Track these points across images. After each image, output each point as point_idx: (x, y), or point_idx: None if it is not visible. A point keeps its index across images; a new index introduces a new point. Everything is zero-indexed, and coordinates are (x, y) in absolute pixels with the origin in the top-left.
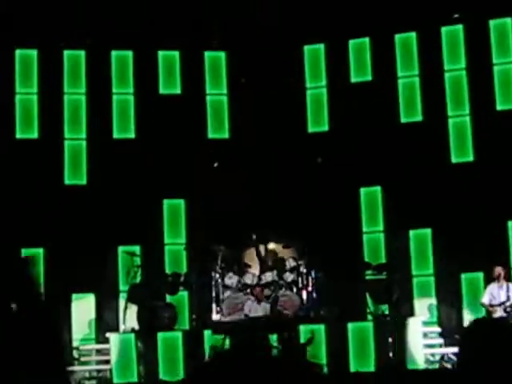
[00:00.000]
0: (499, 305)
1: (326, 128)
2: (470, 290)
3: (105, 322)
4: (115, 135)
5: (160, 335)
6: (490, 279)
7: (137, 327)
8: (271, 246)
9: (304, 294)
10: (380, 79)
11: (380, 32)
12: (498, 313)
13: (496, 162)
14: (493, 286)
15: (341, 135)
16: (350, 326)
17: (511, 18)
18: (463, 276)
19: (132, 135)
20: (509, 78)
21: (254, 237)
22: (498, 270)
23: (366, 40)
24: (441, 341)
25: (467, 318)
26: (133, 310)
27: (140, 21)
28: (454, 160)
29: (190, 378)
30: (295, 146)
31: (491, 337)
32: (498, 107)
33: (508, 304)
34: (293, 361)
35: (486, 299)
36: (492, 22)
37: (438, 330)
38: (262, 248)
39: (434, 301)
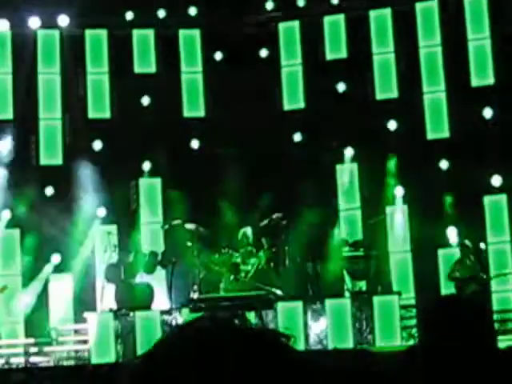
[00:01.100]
0: (469, 278)
1: (302, 105)
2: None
3: (82, 302)
4: (90, 115)
5: (137, 314)
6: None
7: (114, 307)
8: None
9: (281, 272)
10: (354, 56)
11: (354, 8)
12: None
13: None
14: (458, 259)
15: (317, 112)
16: (328, 302)
17: None
18: (439, 251)
19: (108, 115)
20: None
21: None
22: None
23: (341, 16)
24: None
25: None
26: (110, 289)
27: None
28: (429, 136)
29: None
30: (272, 122)
31: (446, 322)
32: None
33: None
34: (266, 331)
35: (455, 273)
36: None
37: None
38: (240, 226)
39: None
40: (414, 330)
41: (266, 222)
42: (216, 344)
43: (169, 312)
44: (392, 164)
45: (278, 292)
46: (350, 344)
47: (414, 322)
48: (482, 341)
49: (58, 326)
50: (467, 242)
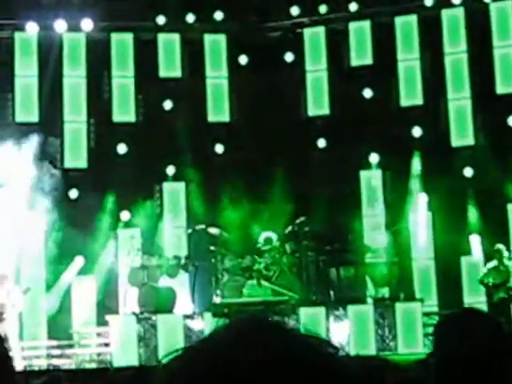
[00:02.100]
0: (500, 285)
1: (327, 111)
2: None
3: (105, 305)
4: (115, 118)
5: (160, 318)
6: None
7: (137, 310)
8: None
9: (304, 277)
10: (381, 63)
11: (380, 15)
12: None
13: None
14: (493, 265)
15: (341, 118)
16: (350, 309)
17: None
18: (463, 259)
19: (133, 118)
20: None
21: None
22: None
23: (367, 23)
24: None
25: (467, 300)
26: (133, 292)
27: (140, 3)
28: (454, 144)
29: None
30: (296, 128)
31: (459, 338)
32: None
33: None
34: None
35: (488, 279)
36: None
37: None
38: (264, 231)
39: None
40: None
41: (290, 227)
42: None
43: (191, 316)
44: (416, 171)
45: (298, 297)
46: (372, 350)
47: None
48: (493, 355)
49: (81, 329)
50: (500, 246)
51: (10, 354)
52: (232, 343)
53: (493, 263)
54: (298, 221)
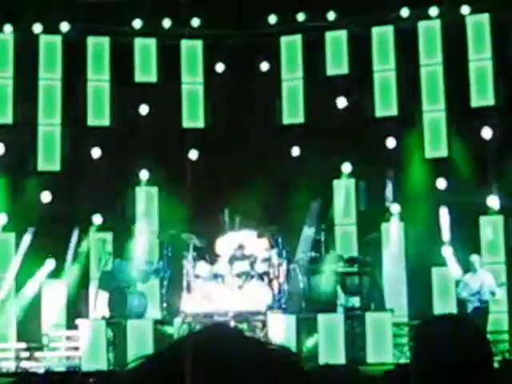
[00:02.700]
0: (474, 295)
1: (301, 120)
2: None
3: (75, 309)
4: (89, 122)
5: (130, 323)
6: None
7: (107, 314)
8: (244, 233)
9: (275, 286)
10: (356, 72)
11: (357, 25)
12: (475, 303)
13: None
14: (469, 277)
15: (316, 127)
16: (320, 318)
17: None
18: (434, 270)
19: (107, 123)
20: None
21: (225, 220)
22: (475, 258)
23: (344, 32)
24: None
25: (438, 311)
26: (103, 297)
27: (116, 7)
28: (427, 155)
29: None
30: (271, 136)
31: (433, 343)
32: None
33: (483, 292)
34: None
35: (464, 291)
36: None
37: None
38: (233, 237)
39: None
40: (406, 348)
41: (260, 234)
42: (231, 352)
43: (161, 322)
44: (390, 181)
45: (267, 305)
46: (341, 360)
47: (406, 339)
48: (478, 361)
49: (50, 332)
50: (474, 257)
51: None
52: (193, 354)
53: (468, 275)
54: (269, 229)
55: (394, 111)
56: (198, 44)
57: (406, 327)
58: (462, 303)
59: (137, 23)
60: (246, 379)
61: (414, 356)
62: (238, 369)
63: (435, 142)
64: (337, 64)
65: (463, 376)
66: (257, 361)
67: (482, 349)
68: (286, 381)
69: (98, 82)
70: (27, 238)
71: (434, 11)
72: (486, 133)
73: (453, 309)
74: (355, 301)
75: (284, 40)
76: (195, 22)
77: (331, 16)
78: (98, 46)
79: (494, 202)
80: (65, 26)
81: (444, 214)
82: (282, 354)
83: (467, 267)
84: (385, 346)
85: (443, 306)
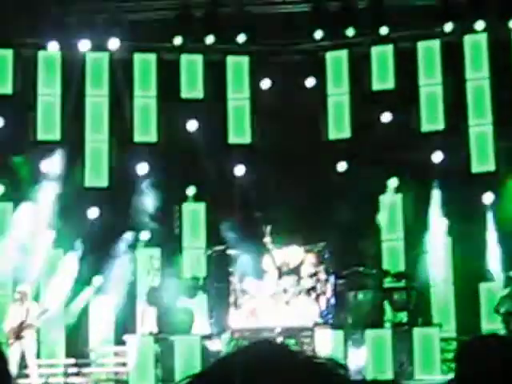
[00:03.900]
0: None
1: (348, 135)
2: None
3: (123, 325)
4: (136, 138)
5: (177, 338)
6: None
7: (155, 330)
8: (291, 249)
9: (322, 301)
10: (402, 87)
11: (403, 40)
12: None
13: None
14: (507, 292)
15: (362, 142)
16: (368, 333)
17: None
18: (481, 285)
19: (154, 139)
20: None
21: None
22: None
23: (390, 47)
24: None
25: (485, 326)
26: (151, 312)
27: (162, 24)
28: (474, 170)
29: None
30: (317, 151)
31: (481, 362)
32: None
33: None
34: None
35: (503, 307)
36: None
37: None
38: (280, 253)
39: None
40: (454, 364)
41: (309, 249)
42: (279, 368)
43: (209, 337)
44: (436, 196)
45: (314, 320)
46: (389, 375)
47: (454, 354)
48: None
49: (98, 348)
50: None
51: (9, 370)
52: (243, 369)
53: (506, 291)
54: (318, 246)
55: (440, 125)
56: (245, 60)
57: (454, 342)
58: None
59: (183, 40)
60: None
61: (458, 375)
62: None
63: (482, 157)
64: (382, 79)
65: None
66: (306, 375)
67: None
68: None
69: (145, 98)
70: (75, 254)
71: (480, 25)
72: None
73: (500, 324)
74: (403, 316)
75: (330, 55)
76: (241, 38)
77: (380, 31)
78: (145, 63)
79: None
80: (112, 44)
81: (491, 228)
82: (331, 367)
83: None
84: (432, 362)
85: (491, 321)
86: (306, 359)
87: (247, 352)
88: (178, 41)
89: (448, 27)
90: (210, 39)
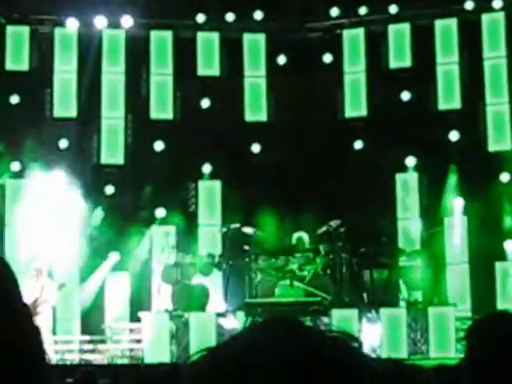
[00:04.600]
0: None
1: (364, 113)
2: (503, 278)
3: (138, 301)
4: (152, 115)
5: (192, 316)
6: None
7: (170, 307)
8: (307, 227)
9: (337, 279)
10: (419, 65)
11: (420, 18)
12: None
13: None
14: None
15: (379, 120)
16: (383, 311)
17: None
18: (497, 264)
19: (170, 116)
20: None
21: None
22: None
23: (407, 25)
24: None
25: (500, 305)
26: (166, 290)
27: (180, 1)
28: (490, 149)
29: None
30: (332, 129)
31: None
32: None
33: None
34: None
35: None
36: None
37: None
38: (296, 230)
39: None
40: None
41: (323, 228)
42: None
43: (224, 315)
44: (453, 175)
45: (329, 298)
46: (404, 354)
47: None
48: None
49: (113, 325)
50: None
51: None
52: (258, 345)
53: None
54: (332, 223)
55: (457, 104)
56: (261, 37)
57: (469, 321)
58: None
59: (199, 17)
60: (306, 370)
61: (468, 353)
62: (298, 360)
63: (499, 136)
64: (399, 57)
65: None
66: (318, 351)
67: None
68: (346, 365)
69: (161, 75)
70: (91, 232)
71: (497, 3)
72: None
73: None
74: (418, 295)
75: (346, 33)
76: (258, 15)
77: (393, 9)
78: (161, 40)
79: None
80: (128, 21)
81: (507, 208)
82: (343, 340)
83: None
84: (447, 341)
85: (506, 300)
86: (319, 333)
87: (260, 328)
88: (194, 18)
89: (468, 5)
90: (227, 17)
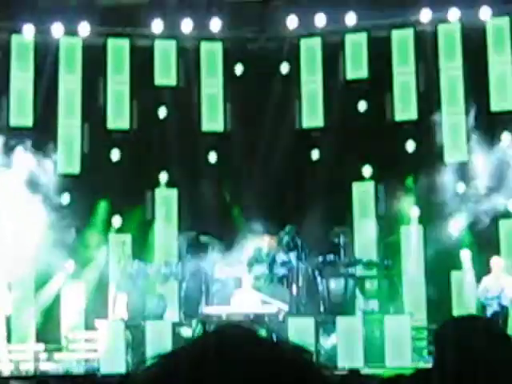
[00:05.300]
0: (493, 298)
1: (321, 123)
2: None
3: (94, 310)
4: (109, 124)
5: (149, 324)
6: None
7: (126, 316)
8: (264, 237)
9: (294, 288)
10: (376, 76)
11: (377, 28)
12: (494, 307)
13: None
14: (488, 279)
15: (336, 130)
16: (339, 320)
17: None
18: (453, 274)
19: (127, 125)
20: None
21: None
22: (495, 261)
23: (364, 35)
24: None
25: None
26: (122, 298)
27: (136, 9)
28: (447, 159)
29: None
30: (289, 139)
31: (456, 343)
32: None
33: (503, 296)
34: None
35: (484, 295)
36: None
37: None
38: (253, 241)
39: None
40: (424, 352)
41: (280, 236)
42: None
43: (180, 324)
44: (409, 185)
45: (286, 307)
46: (360, 363)
47: (424, 343)
48: (504, 360)
49: (69, 334)
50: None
51: None
52: (213, 352)
53: (488, 278)
54: (286, 229)
55: (414, 115)
56: (218, 47)
57: (425, 331)
58: (480, 307)
59: (157, 26)
60: (257, 378)
61: (436, 357)
62: (249, 368)
63: (455, 146)
64: (356, 67)
65: (489, 376)
66: (269, 360)
67: (508, 348)
68: (298, 379)
69: (118, 84)
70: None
71: (453, 15)
72: (506, 138)
73: (472, 312)
74: (374, 304)
75: (304, 43)
76: (215, 24)
77: (350, 20)
78: (118, 49)
79: None
80: (85, 28)
81: (463, 218)
82: (295, 352)
83: (487, 271)
84: (403, 350)
85: (462, 309)
86: (270, 343)
87: (212, 335)
88: (151, 27)
89: (424, 16)
90: (183, 25)
